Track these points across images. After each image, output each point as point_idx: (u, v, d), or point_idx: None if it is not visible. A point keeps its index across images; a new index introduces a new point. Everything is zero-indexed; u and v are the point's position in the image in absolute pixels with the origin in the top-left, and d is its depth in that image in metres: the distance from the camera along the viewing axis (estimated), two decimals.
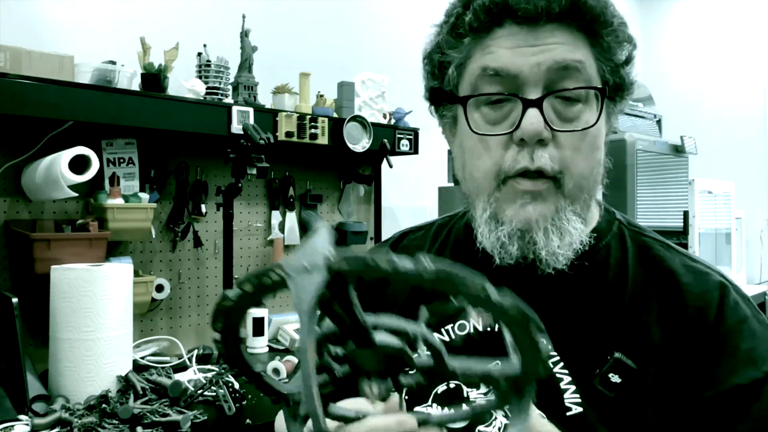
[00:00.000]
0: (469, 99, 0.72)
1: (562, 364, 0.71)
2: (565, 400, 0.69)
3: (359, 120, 2.26)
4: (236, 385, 1.56)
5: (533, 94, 0.68)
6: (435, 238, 0.89)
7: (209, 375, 1.63)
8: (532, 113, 0.67)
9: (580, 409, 0.68)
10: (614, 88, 0.73)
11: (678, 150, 3.19)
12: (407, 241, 0.92)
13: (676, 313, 0.71)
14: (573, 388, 0.69)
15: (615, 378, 0.68)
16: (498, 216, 0.71)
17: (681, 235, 3.14)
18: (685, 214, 3.18)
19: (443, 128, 0.81)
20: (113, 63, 1.81)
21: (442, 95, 0.77)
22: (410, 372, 0.52)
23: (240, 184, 1.89)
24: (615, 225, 0.80)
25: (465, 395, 0.73)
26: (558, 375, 0.70)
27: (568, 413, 0.68)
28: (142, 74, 1.87)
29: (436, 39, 0.76)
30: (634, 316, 0.71)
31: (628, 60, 0.73)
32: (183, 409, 1.42)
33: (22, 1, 1.85)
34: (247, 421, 1.46)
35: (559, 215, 0.70)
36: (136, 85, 1.86)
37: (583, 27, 0.69)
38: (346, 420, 0.54)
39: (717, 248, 3.46)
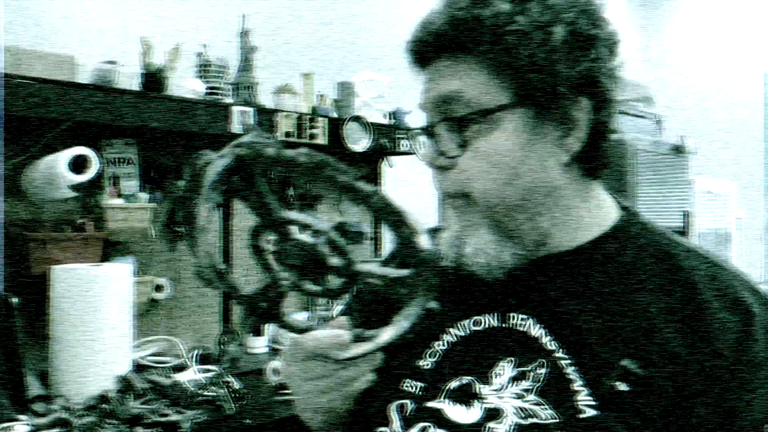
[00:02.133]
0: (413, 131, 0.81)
1: (574, 368, 0.70)
2: (578, 402, 0.68)
3: (359, 120, 2.26)
4: (236, 385, 1.56)
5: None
6: None
7: (209, 375, 1.64)
8: (426, 143, 0.74)
9: (593, 412, 0.67)
10: (530, 96, 0.68)
11: (678, 150, 3.19)
12: None
13: (696, 326, 0.69)
14: (586, 390, 0.68)
15: (622, 386, 0.67)
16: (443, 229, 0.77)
17: (681, 235, 3.14)
18: (685, 214, 3.18)
19: None
20: (113, 63, 1.81)
21: None
22: (325, 274, 0.62)
23: None
24: (636, 227, 0.78)
25: (477, 391, 0.73)
26: (570, 377, 0.69)
27: (580, 416, 0.67)
28: (142, 74, 1.87)
29: None
30: (649, 322, 0.70)
31: (535, 60, 0.66)
32: (183, 409, 1.42)
33: (23, 1, 1.85)
34: (247, 421, 1.46)
35: (473, 230, 0.73)
36: (136, 85, 1.86)
37: (464, 51, 0.70)
38: (298, 329, 0.67)
39: (717, 248, 3.46)
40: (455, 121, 0.71)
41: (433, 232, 0.80)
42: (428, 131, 0.73)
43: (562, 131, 0.71)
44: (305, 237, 0.59)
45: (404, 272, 0.61)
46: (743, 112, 4.00)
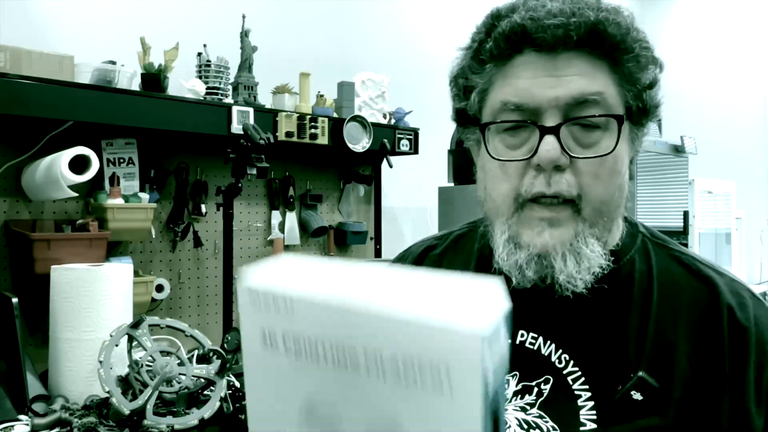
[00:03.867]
0: (487, 126, 0.73)
1: (583, 379, 0.71)
2: (581, 417, 0.70)
3: (359, 120, 2.26)
4: (237, 385, 1.56)
5: (551, 122, 0.69)
6: (457, 252, 0.88)
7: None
8: (549, 140, 0.68)
9: (594, 426, 0.69)
10: (638, 113, 0.73)
11: (678, 150, 3.19)
12: (429, 261, 0.90)
13: (705, 337, 0.71)
14: (591, 404, 0.70)
15: (637, 395, 0.68)
16: (515, 239, 0.72)
17: (681, 235, 3.14)
18: (685, 214, 3.18)
19: (470, 148, 0.82)
20: (113, 63, 1.81)
21: (466, 118, 0.78)
22: None
23: (240, 184, 1.89)
24: (639, 238, 0.80)
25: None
26: (577, 392, 0.71)
27: (582, 428, 0.69)
28: (142, 74, 1.87)
29: (461, 63, 0.77)
30: (659, 334, 0.72)
31: (652, 84, 0.73)
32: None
33: (22, 1, 1.85)
34: (242, 416, 1.45)
35: (578, 239, 0.70)
36: (136, 85, 1.86)
37: (604, 54, 0.70)
38: None
39: (717, 248, 3.46)
40: (590, 122, 0.69)
41: None
42: (554, 129, 0.69)
43: (636, 145, 0.76)
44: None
45: None
46: (743, 112, 4.00)
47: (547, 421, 0.70)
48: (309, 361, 0.53)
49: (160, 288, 2.01)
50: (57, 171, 1.55)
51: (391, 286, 0.48)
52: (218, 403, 1.41)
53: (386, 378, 0.48)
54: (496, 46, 0.71)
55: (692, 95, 4.11)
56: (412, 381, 0.46)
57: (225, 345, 1.74)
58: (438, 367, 0.45)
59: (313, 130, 2.13)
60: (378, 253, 2.61)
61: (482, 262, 0.82)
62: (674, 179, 3.25)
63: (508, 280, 0.73)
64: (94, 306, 1.49)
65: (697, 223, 3.25)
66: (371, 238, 2.60)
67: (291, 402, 0.54)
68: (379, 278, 0.49)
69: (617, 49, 0.69)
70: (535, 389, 0.72)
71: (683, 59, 4.17)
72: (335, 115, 2.25)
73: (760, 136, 3.98)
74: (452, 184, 2.58)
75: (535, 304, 0.75)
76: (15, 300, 1.45)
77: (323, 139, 2.17)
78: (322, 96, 2.25)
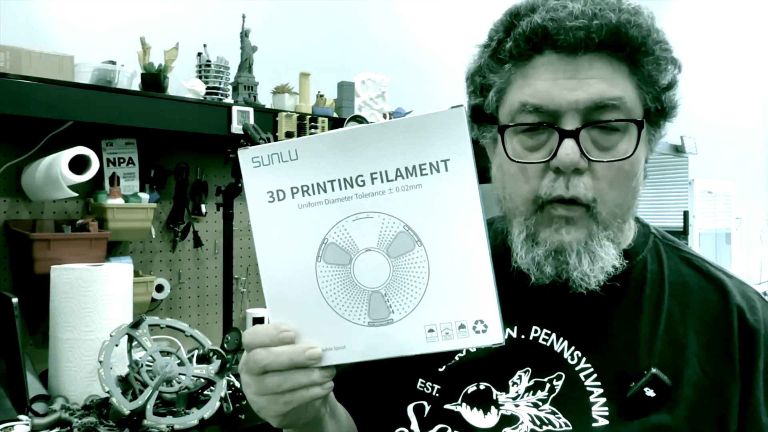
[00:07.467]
0: (506, 128, 0.73)
1: (595, 376, 0.72)
2: (593, 413, 0.70)
3: (359, 120, 2.26)
4: (237, 385, 1.56)
5: (570, 125, 0.68)
6: None
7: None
8: (569, 144, 0.68)
9: (606, 422, 0.69)
10: (656, 114, 0.73)
11: (678, 150, 3.19)
12: None
13: (715, 338, 0.72)
14: (603, 400, 0.71)
15: (650, 392, 0.69)
16: (534, 237, 0.72)
17: (681, 234, 3.14)
18: (685, 214, 3.18)
19: (486, 146, 0.82)
20: (113, 63, 1.81)
21: (483, 116, 0.78)
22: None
23: (240, 184, 1.89)
24: (650, 239, 0.81)
25: (494, 397, 0.74)
26: (589, 388, 0.72)
27: (594, 424, 0.70)
28: (142, 74, 1.87)
29: (479, 61, 0.76)
30: (670, 333, 0.73)
31: (671, 85, 0.73)
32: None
33: (22, 1, 1.85)
34: (242, 416, 1.46)
35: (592, 240, 0.71)
36: (136, 85, 1.86)
37: (625, 57, 0.70)
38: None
39: (717, 248, 3.46)
40: (609, 126, 0.69)
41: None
42: (573, 133, 0.68)
43: (652, 146, 0.76)
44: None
45: None
46: (744, 112, 4.00)
47: (559, 417, 0.71)
48: (320, 204, 0.60)
49: (160, 288, 2.01)
50: (57, 171, 1.55)
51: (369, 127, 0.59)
52: (218, 403, 1.41)
53: (392, 191, 0.59)
54: (516, 46, 0.70)
55: (692, 95, 4.11)
56: (415, 185, 0.59)
57: (225, 345, 1.74)
58: (436, 150, 0.56)
59: (313, 130, 2.13)
60: None
61: (496, 259, 0.82)
62: (674, 179, 3.25)
63: (526, 278, 0.74)
64: (94, 306, 1.49)
65: (697, 223, 3.25)
66: None
67: (306, 245, 0.61)
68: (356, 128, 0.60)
69: (638, 52, 0.69)
70: (548, 385, 0.73)
71: (683, 59, 4.17)
72: (335, 115, 2.25)
73: (760, 136, 3.98)
74: None
75: (549, 300, 0.76)
76: (15, 300, 1.45)
77: None
78: (322, 96, 2.25)
